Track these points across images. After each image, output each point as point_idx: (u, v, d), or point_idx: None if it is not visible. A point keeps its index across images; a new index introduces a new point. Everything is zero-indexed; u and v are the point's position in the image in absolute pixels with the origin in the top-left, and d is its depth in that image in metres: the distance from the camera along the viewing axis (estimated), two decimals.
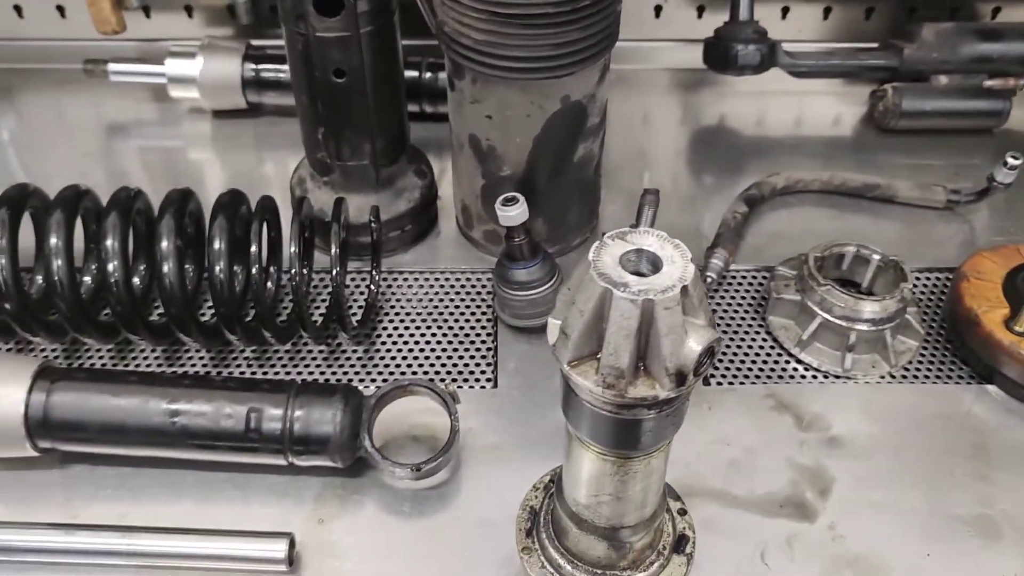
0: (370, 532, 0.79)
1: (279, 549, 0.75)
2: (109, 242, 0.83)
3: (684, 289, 0.54)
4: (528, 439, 0.86)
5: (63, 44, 1.27)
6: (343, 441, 0.79)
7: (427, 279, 1.00)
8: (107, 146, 1.19)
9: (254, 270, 0.85)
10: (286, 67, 1.14)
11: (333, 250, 0.85)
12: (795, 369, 0.92)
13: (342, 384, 0.82)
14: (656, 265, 0.56)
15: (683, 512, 0.75)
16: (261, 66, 1.14)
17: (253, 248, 0.85)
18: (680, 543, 0.73)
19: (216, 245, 0.83)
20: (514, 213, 0.87)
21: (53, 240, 0.83)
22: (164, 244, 0.83)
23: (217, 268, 0.83)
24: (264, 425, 0.78)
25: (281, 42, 1.20)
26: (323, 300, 0.98)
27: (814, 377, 0.91)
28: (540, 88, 0.86)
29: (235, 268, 0.87)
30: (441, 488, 0.82)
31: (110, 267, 0.83)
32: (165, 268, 0.83)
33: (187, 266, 0.90)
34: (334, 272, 0.85)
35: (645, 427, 0.59)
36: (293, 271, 0.84)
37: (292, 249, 0.85)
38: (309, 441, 0.78)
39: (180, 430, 0.78)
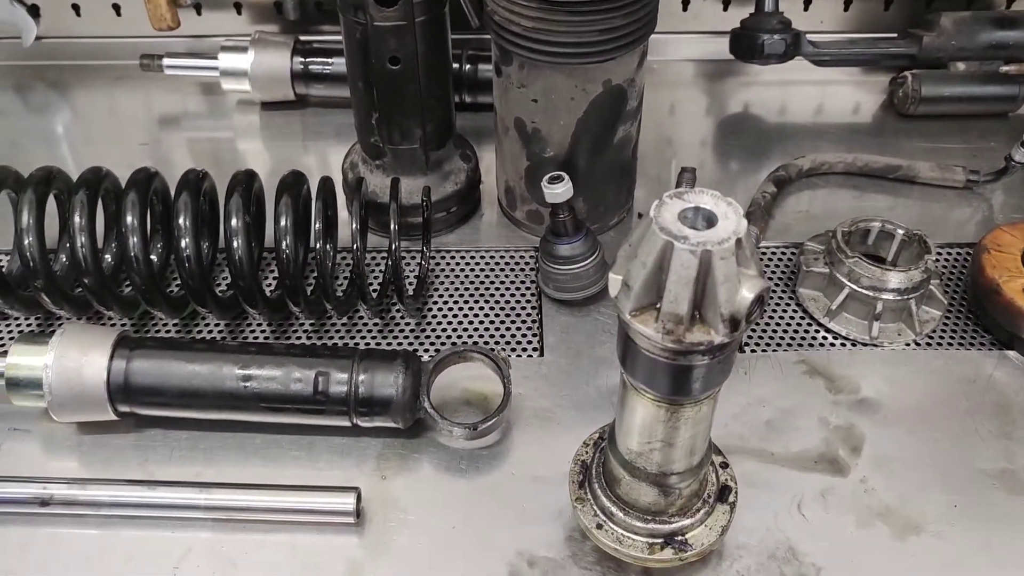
0: (430, 488, 0.84)
1: (348, 502, 0.80)
2: (180, 220, 0.89)
3: (738, 241, 0.59)
4: (574, 403, 0.91)
5: (117, 41, 1.33)
6: (404, 403, 0.84)
7: (472, 257, 1.06)
8: (160, 138, 1.24)
9: (317, 246, 0.90)
10: (333, 60, 1.20)
11: (393, 226, 0.90)
12: (824, 337, 0.97)
13: (402, 350, 0.87)
14: (711, 221, 0.61)
15: (725, 465, 0.80)
16: (309, 59, 1.20)
17: (317, 225, 0.90)
18: (724, 493, 0.78)
19: (282, 222, 0.89)
20: (560, 190, 0.93)
21: (128, 219, 0.89)
22: (233, 221, 0.88)
23: (284, 243, 0.89)
24: (331, 388, 0.84)
25: (328, 37, 1.28)
26: (375, 277, 1.03)
27: (843, 345, 0.96)
28: (584, 72, 0.92)
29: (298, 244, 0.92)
30: (494, 448, 0.88)
31: (182, 244, 0.88)
32: (235, 244, 0.88)
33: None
34: (394, 246, 0.90)
35: (698, 373, 0.65)
36: (356, 246, 0.90)
37: (355, 226, 0.90)
38: (373, 403, 0.84)
39: (252, 394, 0.84)
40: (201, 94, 1.31)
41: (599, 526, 0.77)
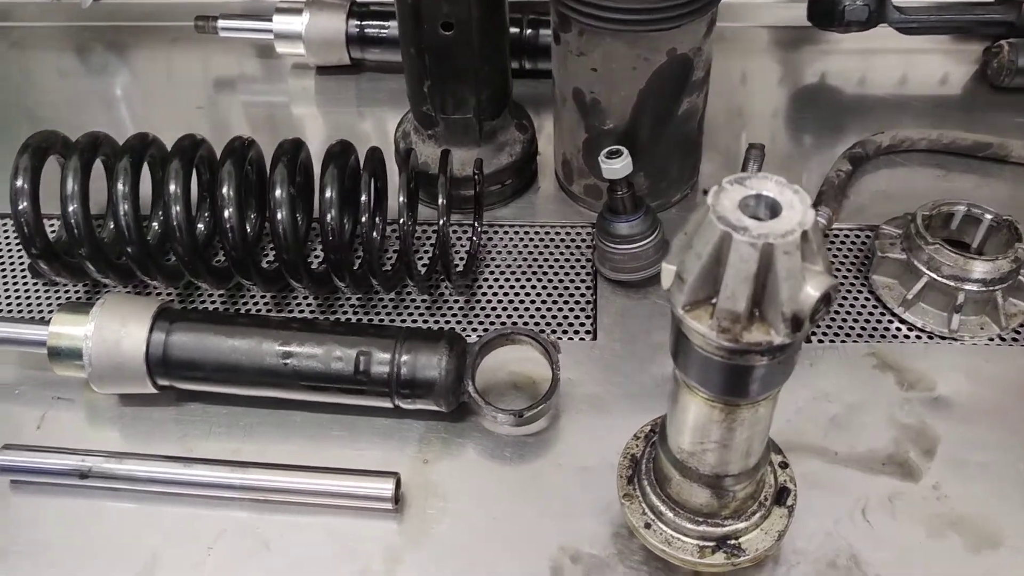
0: (472, 475, 0.81)
1: (386, 488, 0.77)
2: (225, 190, 0.86)
3: (804, 234, 0.54)
4: (627, 391, 0.87)
5: (173, 2, 1.31)
6: (447, 385, 0.80)
7: (527, 232, 1.01)
8: (214, 100, 1.22)
9: (363, 219, 0.87)
10: (389, 24, 1.15)
11: (441, 200, 0.86)
12: (898, 329, 0.90)
13: (447, 331, 0.84)
14: (775, 210, 0.55)
15: (784, 465, 0.75)
16: (365, 22, 1.16)
17: (363, 197, 0.87)
18: (781, 495, 0.73)
19: (328, 193, 0.86)
20: (618, 166, 0.88)
21: (172, 187, 0.87)
22: (278, 192, 0.86)
23: (329, 216, 0.85)
24: (372, 368, 0.81)
25: None
26: (425, 251, 1.00)
27: (918, 337, 0.90)
28: (647, 40, 0.86)
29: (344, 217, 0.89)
30: (541, 435, 0.84)
31: (226, 214, 0.86)
32: (279, 216, 0.85)
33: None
34: (441, 222, 0.87)
35: (756, 374, 0.60)
36: (402, 220, 0.86)
37: (401, 199, 0.86)
38: (415, 385, 0.81)
39: (292, 371, 0.81)
40: (256, 56, 1.28)
41: (647, 525, 0.73)
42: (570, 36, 0.89)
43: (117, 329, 0.82)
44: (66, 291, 0.98)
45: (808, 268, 0.55)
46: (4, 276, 0.99)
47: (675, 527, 0.72)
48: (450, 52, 0.91)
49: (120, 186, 0.87)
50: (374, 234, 0.93)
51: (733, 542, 0.71)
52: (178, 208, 0.86)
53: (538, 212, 1.04)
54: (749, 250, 0.53)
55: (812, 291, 0.55)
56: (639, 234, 0.91)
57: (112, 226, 0.98)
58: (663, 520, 0.72)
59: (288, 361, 0.81)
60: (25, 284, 0.98)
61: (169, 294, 0.96)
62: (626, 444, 0.78)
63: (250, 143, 0.92)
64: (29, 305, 0.97)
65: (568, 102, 0.94)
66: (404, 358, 0.81)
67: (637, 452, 0.77)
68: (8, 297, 0.97)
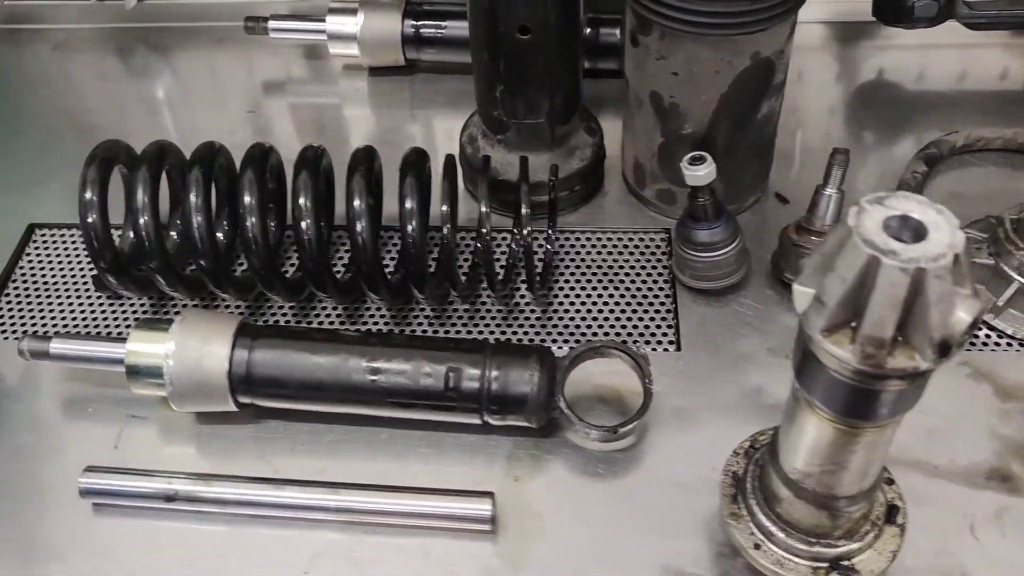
0: (566, 492, 0.80)
1: (484, 508, 0.75)
2: (301, 200, 0.84)
3: (955, 258, 0.52)
4: (716, 403, 0.85)
5: (216, 3, 1.28)
6: (540, 402, 0.79)
7: (599, 239, 0.99)
8: (263, 103, 1.19)
9: (446, 229, 0.85)
10: (446, 23, 1.13)
11: (524, 209, 0.84)
12: (988, 336, 0.89)
13: (536, 345, 0.82)
14: (919, 232, 0.54)
15: (890, 481, 0.73)
16: (421, 22, 1.13)
17: (444, 207, 0.85)
18: (891, 513, 0.72)
19: (408, 204, 0.84)
20: (702, 173, 0.86)
21: (247, 199, 0.85)
22: (357, 203, 0.83)
23: (410, 227, 0.83)
24: (462, 384, 0.79)
25: None
26: (495, 260, 0.98)
27: (1009, 344, 0.88)
28: (732, 44, 0.84)
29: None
30: (631, 450, 0.82)
31: (303, 225, 0.84)
32: (359, 227, 0.83)
33: None
34: (525, 231, 0.85)
35: (888, 398, 0.58)
36: (485, 230, 0.84)
37: (483, 208, 0.84)
38: (506, 401, 0.79)
39: (380, 388, 0.79)
40: (304, 58, 1.25)
41: (756, 546, 0.71)
42: (650, 39, 0.87)
43: (198, 347, 0.80)
44: (131, 305, 0.95)
45: (957, 291, 0.54)
46: (66, 289, 0.97)
47: (787, 548, 0.70)
48: (525, 56, 0.89)
49: (193, 198, 0.85)
50: (454, 244, 0.91)
51: (847, 563, 0.70)
52: (254, 219, 0.84)
53: (608, 217, 1.02)
54: (899, 275, 0.51)
55: (964, 316, 0.53)
56: (721, 242, 0.89)
57: (176, 236, 0.96)
58: (774, 541, 0.71)
59: (376, 378, 0.79)
60: (88, 297, 0.96)
61: (238, 306, 0.94)
62: (726, 461, 0.76)
63: (322, 152, 0.89)
64: (94, 318, 0.94)
65: (644, 105, 0.92)
66: (494, 373, 0.79)
67: (738, 470, 0.75)
68: (70, 310, 0.95)
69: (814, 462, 0.65)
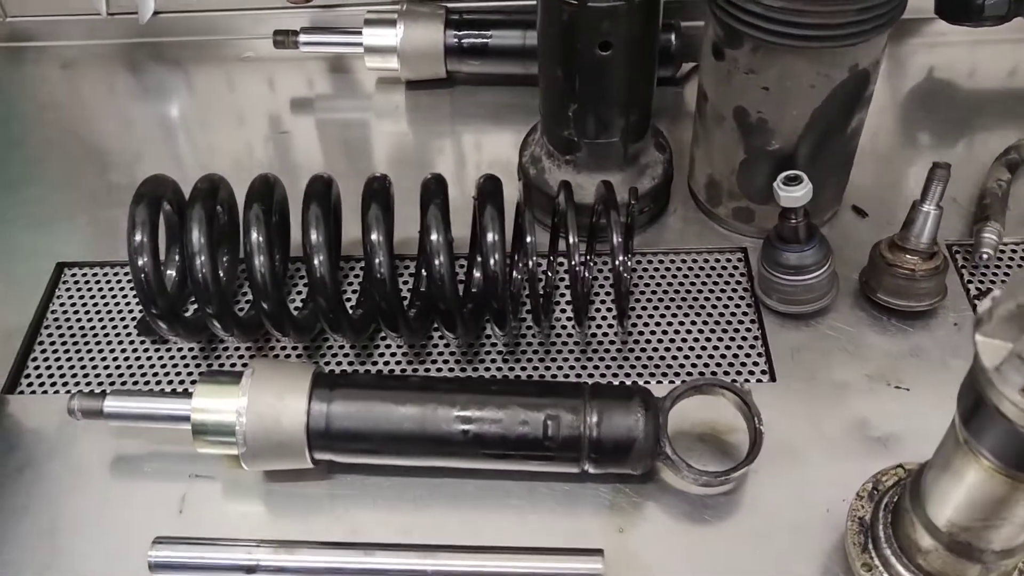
0: (675, 542, 0.74)
1: (595, 567, 0.70)
2: (374, 236, 0.78)
3: None
4: (820, 437, 0.80)
5: (233, 15, 1.19)
6: (646, 448, 0.73)
7: (672, 261, 0.94)
8: (293, 121, 1.12)
9: (530, 262, 0.79)
10: (491, 33, 1.07)
11: (616, 239, 0.79)
12: None
13: (636, 386, 0.77)
14: None
15: None
16: (464, 32, 1.07)
17: (529, 238, 0.79)
18: None
19: (491, 237, 0.78)
20: (799, 194, 0.81)
21: (313, 236, 0.78)
22: (434, 237, 0.77)
23: (492, 261, 0.77)
24: (562, 432, 0.73)
25: (478, 3, 1.13)
26: (567, 287, 0.92)
27: None
28: (832, 57, 0.79)
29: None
30: (735, 492, 0.77)
31: (376, 261, 0.78)
32: (436, 263, 0.77)
33: None
34: (617, 262, 0.79)
35: None
36: (574, 263, 0.78)
37: (572, 239, 0.79)
38: (609, 449, 0.73)
39: (473, 439, 0.74)
40: (329, 72, 1.18)
41: None
42: (739, 52, 0.81)
43: (273, 403, 0.74)
44: (179, 350, 0.88)
45: None
46: (105, 334, 0.90)
47: None
48: (604, 74, 0.83)
49: (255, 236, 0.78)
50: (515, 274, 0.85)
51: None
52: (321, 257, 0.78)
53: (679, 237, 0.96)
54: None
55: None
56: (813, 264, 0.84)
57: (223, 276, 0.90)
58: None
59: (468, 427, 0.74)
60: (132, 342, 0.89)
61: (295, 348, 0.88)
62: (850, 506, 0.71)
63: (388, 182, 0.83)
64: (139, 365, 0.87)
65: (726, 121, 0.87)
66: (594, 419, 0.73)
67: (865, 515, 0.71)
68: (112, 357, 0.88)
69: (974, 515, 0.60)
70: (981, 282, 0.91)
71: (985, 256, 0.89)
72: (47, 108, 1.14)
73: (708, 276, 0.93)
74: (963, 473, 0.59)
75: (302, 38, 1.10)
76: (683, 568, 0.73)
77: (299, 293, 0.93)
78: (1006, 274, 0.92)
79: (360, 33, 1.08)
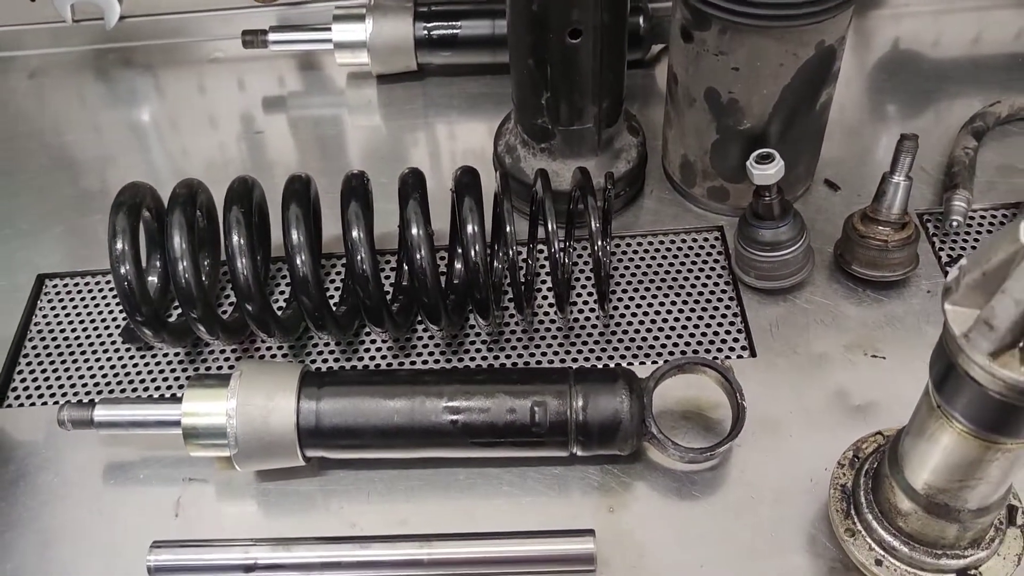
0: (664, 519, 0.76)
1: (586, 547, 0.71)
2: (355, 233, 0.78)
3: None
4: (801, 409, 0.82)
5: (202, 17, 1.19)
6: (632, 429, 0.75)
7: (650, 243, 0.95)
8: (267, 122, 1.12)
9: (511, 252, 0.80)
10: (460, 24, 1.07)
11: (595, 224, 0.80)
12: None
13: (619, 368, 0.78)
14: None
15: None
16: (432, 24, 1.07)
17: (508, 228, 0.80)
18: (1012, 514, 0.70)
19: (470, 229, 0.78)
20: (771, 171, 0.82)
21: (294, 236, 0.79)
22: (414, 231, 0.78)
23: (472, 253, 0.78)
24: (549, 417, 0.75)
25: None
26: (547, 274, 0.93)
27: None
28: (799, 35, 0.80)
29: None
30: (721, 466, 0.79)
31: (358, 258, 0.78)
32: (418, 257, 0.78)
33: None
34: (596, 247, 0.80)
35: None
36: (554, 250, 0.80)
37: (551, 226, 0.80)
38: (597, 431, 0.75)
39: (462, 428, 0.75)
40: (299, 69, 1.18)
41: (878, 562, 0.69)
42: (707, 35, 0.83)
43: (263, 403, 0.74)
44: (164, 355, 0.89)
45: None
46: (90, 343, 0.90)
47: (910, 562, 0.68)
48: (575, 61, 0.84)
49: (236, 239, 0.78)
50: (496, 264, 0.86)
51: (973, 572, 0.68)
52: (304, 256, 0.78)
53: (655, 218, 0.97)
54: None
55: None
56: (788, 240, 0.86)
57: (206, 280, 0.90)
58: (896, 556, 0.68)
59: (457, 418, 0.75)
60: (117, 350, 0.89)
61: (280, 348, 0.88)
62: (832, 474, 0.73)
63: (366, 179, 0.83)
64: (126, 373, 0.88)
65: (697, 103, 0.88)
66: (580, 403, 0.75)
67: (847, 482, 0.73)
68: (98, 366, 0.88)
69: (950, 477, 0.62)
70: (952, 249, 0.93)
71: (955, 224, 0.91)
72: (17, 119, 1.14)
73: (686, 256, 0.94)
74: (938, 437, 0.61)
75: (271, 37, 1.09)
76: (673, 543, 0.75)
77: (282, 293, 0.93)
78: (976, 240, 0.94)
79: (329, 29, 1.08)
